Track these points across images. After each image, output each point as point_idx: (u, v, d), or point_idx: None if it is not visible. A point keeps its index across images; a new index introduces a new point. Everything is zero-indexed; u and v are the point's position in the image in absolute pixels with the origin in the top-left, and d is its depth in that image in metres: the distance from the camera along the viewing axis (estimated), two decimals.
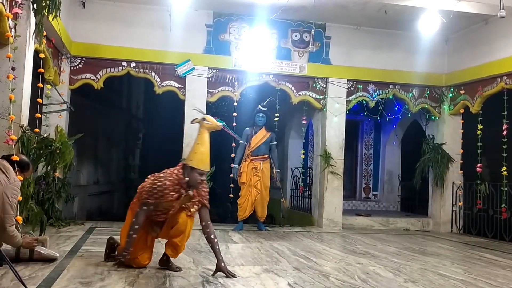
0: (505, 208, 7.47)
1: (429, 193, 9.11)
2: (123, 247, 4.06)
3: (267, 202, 7.65)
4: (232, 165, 7.77)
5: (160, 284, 3.68)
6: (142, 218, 3.98)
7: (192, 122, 4.27)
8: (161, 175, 4.00)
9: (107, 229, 6.83)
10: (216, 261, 4.02)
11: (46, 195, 6.57)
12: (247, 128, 7.67)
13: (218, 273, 4.01)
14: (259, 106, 7.70)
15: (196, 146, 4.05)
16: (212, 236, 4.02)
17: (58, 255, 4.42)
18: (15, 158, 4.18)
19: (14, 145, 4.85)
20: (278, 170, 7.82)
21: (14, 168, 4.01)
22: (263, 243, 6.17)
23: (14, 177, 3.89)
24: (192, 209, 4.05)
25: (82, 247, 5.15)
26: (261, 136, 7.55)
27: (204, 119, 4.14)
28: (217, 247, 4.02)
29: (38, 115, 5.89)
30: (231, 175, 7.80)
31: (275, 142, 7.77)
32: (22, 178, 4.19)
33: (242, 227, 7.50)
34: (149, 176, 4.18)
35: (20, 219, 4.36)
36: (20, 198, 4.12)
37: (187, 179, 3.94)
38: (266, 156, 7.58)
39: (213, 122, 4.17)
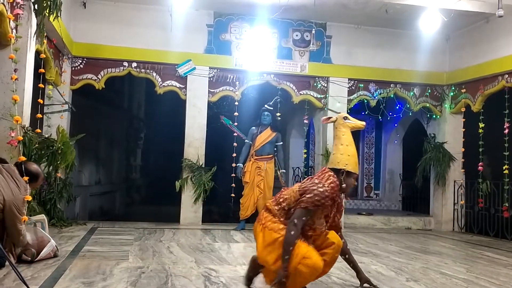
0: (507, 207, 7.46)
1: (431, 192, 9.11)
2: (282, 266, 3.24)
3: None
4: (234, 165, 7.78)
5: (162, 284, 3.68)
6: (300, 230, 3.32)
7: (326, 122, 3.86)
8: (317, 180, 3.41)
9: (109, 229, 6.85)
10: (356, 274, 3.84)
11: (48, 195, 6.60)
12: (253, 128, 7.65)
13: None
14: (266, 105, 7.69)
15: (346, 148, 3.62)
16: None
17: (54, 242, 4.44)
18: (22, 159, 4.20)
19: (16, 146, 4.86)
20: (284, 171, 7.80)
21: (22, 174, 4.04)
22: None
23: (24, 186, 3.96)
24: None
25: (84, 247, 5.15)
26: (266, 136, 7.53)
27: (346, 117, 3.75)
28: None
29: (39, 115, 5.90)
30: (233, 175, 7.81)
31: (281, 143, 7.73)
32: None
33: (244, 226, 7.49)
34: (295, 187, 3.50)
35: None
36: (29, 198, 4.18)
37: (344, 185, 3.50)
38: (271, 156, 7.55)
39: (356, 121, 3.91)
